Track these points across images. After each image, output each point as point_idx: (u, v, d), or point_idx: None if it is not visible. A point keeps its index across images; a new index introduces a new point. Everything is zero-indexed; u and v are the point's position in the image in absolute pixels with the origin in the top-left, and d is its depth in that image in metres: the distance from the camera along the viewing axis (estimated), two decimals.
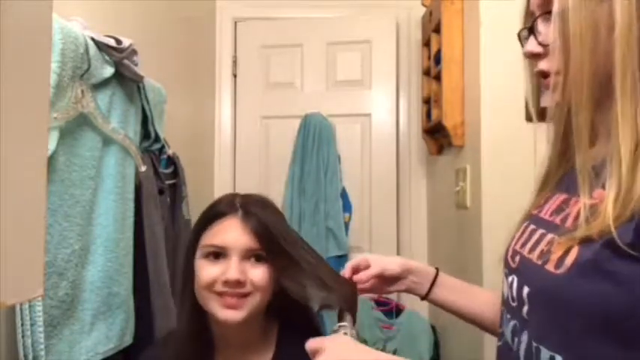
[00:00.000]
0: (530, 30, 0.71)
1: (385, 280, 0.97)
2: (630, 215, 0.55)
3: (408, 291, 0.98)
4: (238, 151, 2.58)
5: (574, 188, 0.63)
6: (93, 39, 1.16)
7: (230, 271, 0.82)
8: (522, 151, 1.50)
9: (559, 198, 0.68)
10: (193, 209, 1.72)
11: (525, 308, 0.66)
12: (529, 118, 0.69)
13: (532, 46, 0.70)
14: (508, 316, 0.70)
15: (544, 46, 0.67)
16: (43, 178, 0.55)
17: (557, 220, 0.66)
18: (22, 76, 0.50)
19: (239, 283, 0.82)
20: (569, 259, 0.59)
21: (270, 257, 0.86)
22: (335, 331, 0.81)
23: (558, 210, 0.67)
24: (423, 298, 0.97)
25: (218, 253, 0.85)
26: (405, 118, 2.53)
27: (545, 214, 0.69)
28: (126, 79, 1.31)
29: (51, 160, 1.02)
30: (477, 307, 0.94)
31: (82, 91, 1.13)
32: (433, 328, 2.26)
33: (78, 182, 1.12)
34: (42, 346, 0.98)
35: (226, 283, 0.82)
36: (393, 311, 2.28)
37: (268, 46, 2.57)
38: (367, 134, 2.53)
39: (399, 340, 2.22)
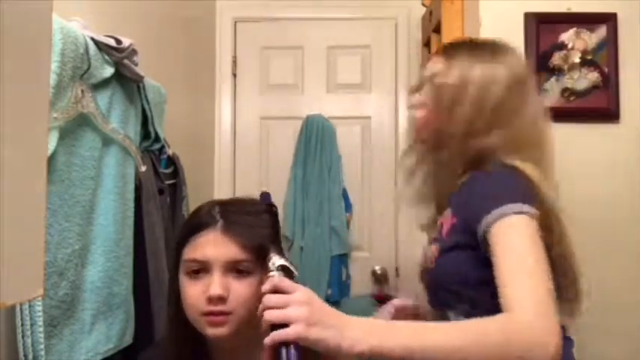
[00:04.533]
0: None
1: None
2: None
3: None
4: (238, 151, 2.57)
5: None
6: (93, 39, 1.16)
7: (212, 287, 0.80)
8: None
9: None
10: (193, 209, 1.72)
11: None
12: None
13: None
14: None
15: None
16: (43, 178, 0.55)
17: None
18: (22, 76, 0.50)
19: (221, 299, 0.80)
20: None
21: (258, 265, 0.83)
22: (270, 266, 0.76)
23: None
24: None
25: (200, 268, 0.83)
26: (404, 120, 2.52)
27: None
28: (126, 79, 1.31)
29: (51, 160, 1.02)
30: None
31: (82, 91, 1.13)
32: None
33: (78, 182, 1.12)
34: (42, 346, 0.98)
35: (209, 299, 0.80)
36: None
37: (268, 47, 2.57)
38: (367, 137, 2.54)
39: None
